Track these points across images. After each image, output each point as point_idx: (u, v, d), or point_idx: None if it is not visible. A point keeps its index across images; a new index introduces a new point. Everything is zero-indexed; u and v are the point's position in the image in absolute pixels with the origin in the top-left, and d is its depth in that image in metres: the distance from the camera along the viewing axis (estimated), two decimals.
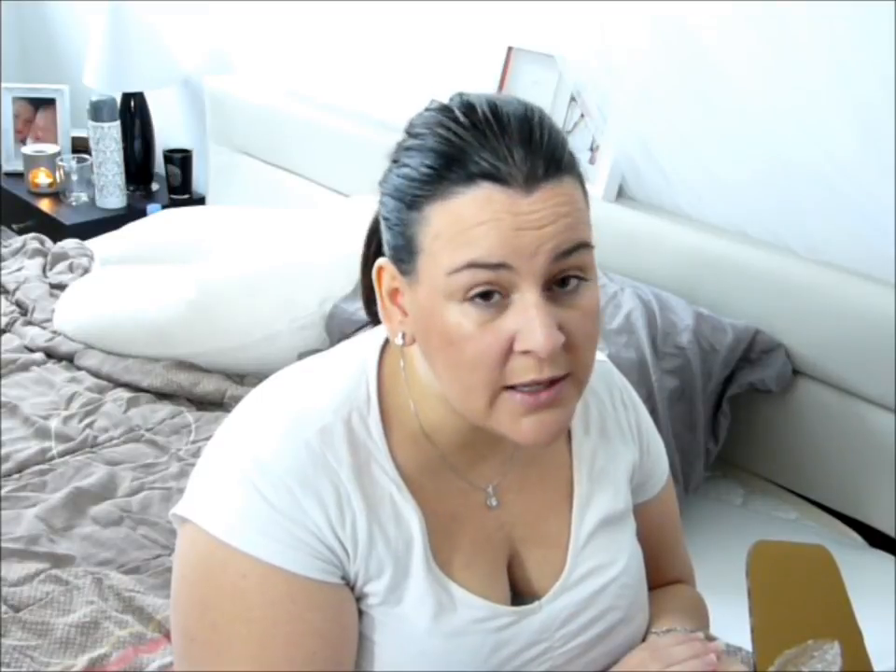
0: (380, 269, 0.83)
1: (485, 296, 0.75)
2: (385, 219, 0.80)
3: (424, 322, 0.79)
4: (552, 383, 0.77)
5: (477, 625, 0.85)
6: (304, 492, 0.80)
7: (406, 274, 0.80)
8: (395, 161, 0.80)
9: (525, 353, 0.76)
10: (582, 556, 0.92)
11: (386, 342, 0.89)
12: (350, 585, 0.83)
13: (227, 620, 0.80)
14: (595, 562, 0.93)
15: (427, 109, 0.80)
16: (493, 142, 0.74)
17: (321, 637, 0.80)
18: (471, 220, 0.74)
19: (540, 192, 0.75)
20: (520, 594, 0.91)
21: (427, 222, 0.76)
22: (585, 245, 0.77)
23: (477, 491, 0.90)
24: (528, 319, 0.75)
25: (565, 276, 0.77)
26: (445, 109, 0.78)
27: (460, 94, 0.79)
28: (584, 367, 0.81)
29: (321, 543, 0.80)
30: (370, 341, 0.91)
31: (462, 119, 0.76)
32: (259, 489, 0.80)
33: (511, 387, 0.78)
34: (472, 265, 0.74)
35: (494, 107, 0.76)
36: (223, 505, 0.81)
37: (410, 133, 0.79)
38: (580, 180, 0.80)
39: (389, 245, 0.81)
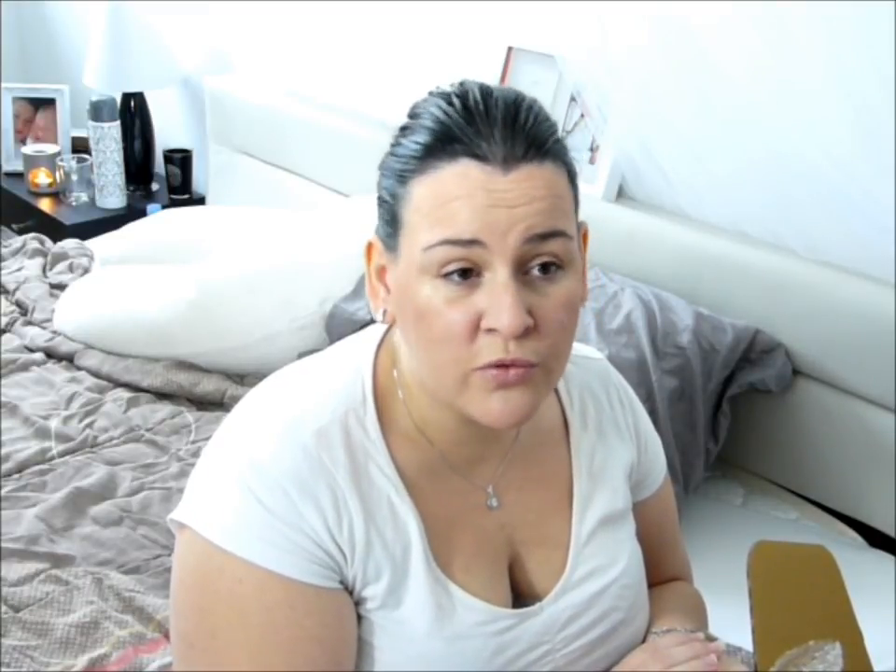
0: (370, 245, 0.85)
1: (462, 273, 0.77)
2: (379, 197, 0.83)
3: (400, 297, 0.81)
4: (520, 366, 0.78)
5: (478, 629, 0.85)
6: (301, 495, 0.80)
7: (390, 250, 0.82)
8: (393, 144, 0.82)
9: (491, 332, 0.76)
10: (583, 556, 0.92)
11: (382, 340, 0.90)
12: (348, 589, 0.83)
13: (225, 626, 0.80)
14: (596, 562, 0.92)
15: (429, 93, 0.82)
16: (478, 121, 0.77)
17: (319, 643, 0.80)
18: (448, 195, 0.76)
19: (517, 173, 0.76)
20: (521, 595, 0.90)
21: (410, 197, 0.78)
22: (561, 234, 0.78)
23: (477, 491, 0.90)
24: (497, 298, 0.76)
25: (543, 263, 0.77)
26: (443, 93, 0.80)
27: (461, 82, 0.81)
28: (554, 358, 0.80)
29: (318, 548, 0.80)
30: (365, 339, 0.91)
31: (455, 101, 0.78)
32: (256, 493, 0.79)
33: (480, 369, 0.78)
34: (446, 241, 0.76)
35: (486, 92, 0.78)
36: (219, 509, 0.81)
37: (410, 114, 0.82)
38: (567, 170, 0.81)
39: (379, 221, 0.83)
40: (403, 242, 0.80)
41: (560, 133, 0.81)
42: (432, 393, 0.84)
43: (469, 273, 0.77)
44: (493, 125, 0.76)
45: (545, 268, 0.78)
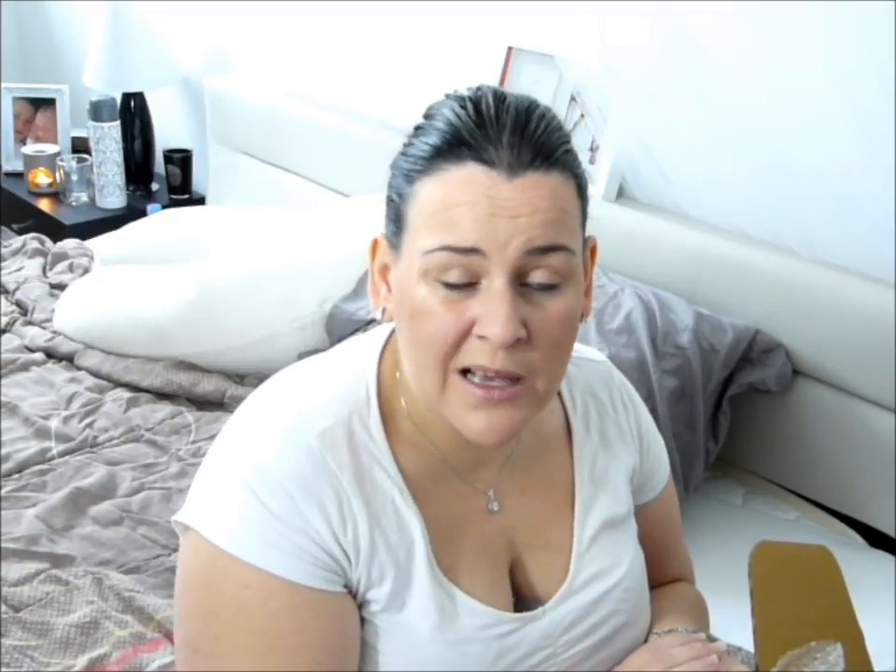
0: (375, 242, 0.85)
1: (456, 284, 0.76)
2: (387, 197, 0.83)
3: (399, 296, 0.81)
4: (505, 379, 0.77)
5: (480, 633, 0.85)
6: (305, 498, 0.79)
7: (394, 249, 0.82)
8: (405, 144, 0.82)
9: (483, 338, 0.76)
10: (585, 560, 0.92)
11: (386, 342, 0.89)
12: (352, 592, 0.83)
13: (229, 630, 0.79)
14: (599, 566, 0.92)
15: (445, 95, 0.82)
16: (487, 126, 0.76)
17: (323, 647, 0.80)
18: (452, 200, 0.76)
19: (522, 180, 0.75)
20: (523, 599, 0.90)
21: (415, 197, 0.78)
22: (563, 249, 0.77)
23: (479, 495, 0.90)
24: (491, 307, 0.75)
25: (542, 275, 0.76)
26: (458, 96, 0.80)
27: (478, 86, 0.81)
28: (543, 374, 0.79)
29: (322, 551, 0.80)
30: (369, 341, 0.90)
31: (468, 104, 0.78)
32: (259, 496, 0.79)
33: (464, 374, 0.78)
34: (447, 248, 0.76)
35: (500, 98, 0.78)
36: (223, 512, 0.80)
37: (424, 115, 0.82)
38: (576, 183, 0.80)
39: (386, 220, 0.83)
40: (406, 241, 0.79)
41: (571, 143, 0.80)
42: (419, 397, 0.84)
43: (462, 285, 0.76)
44: (502, 130, 0.76)
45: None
